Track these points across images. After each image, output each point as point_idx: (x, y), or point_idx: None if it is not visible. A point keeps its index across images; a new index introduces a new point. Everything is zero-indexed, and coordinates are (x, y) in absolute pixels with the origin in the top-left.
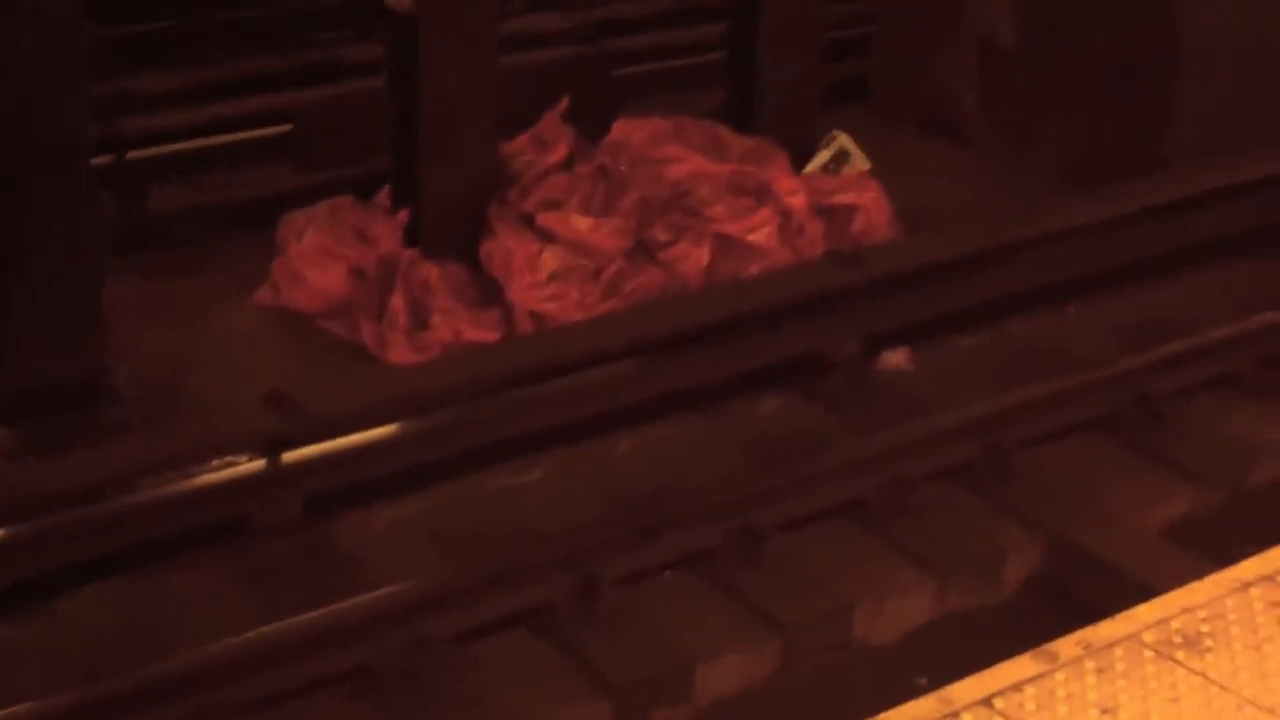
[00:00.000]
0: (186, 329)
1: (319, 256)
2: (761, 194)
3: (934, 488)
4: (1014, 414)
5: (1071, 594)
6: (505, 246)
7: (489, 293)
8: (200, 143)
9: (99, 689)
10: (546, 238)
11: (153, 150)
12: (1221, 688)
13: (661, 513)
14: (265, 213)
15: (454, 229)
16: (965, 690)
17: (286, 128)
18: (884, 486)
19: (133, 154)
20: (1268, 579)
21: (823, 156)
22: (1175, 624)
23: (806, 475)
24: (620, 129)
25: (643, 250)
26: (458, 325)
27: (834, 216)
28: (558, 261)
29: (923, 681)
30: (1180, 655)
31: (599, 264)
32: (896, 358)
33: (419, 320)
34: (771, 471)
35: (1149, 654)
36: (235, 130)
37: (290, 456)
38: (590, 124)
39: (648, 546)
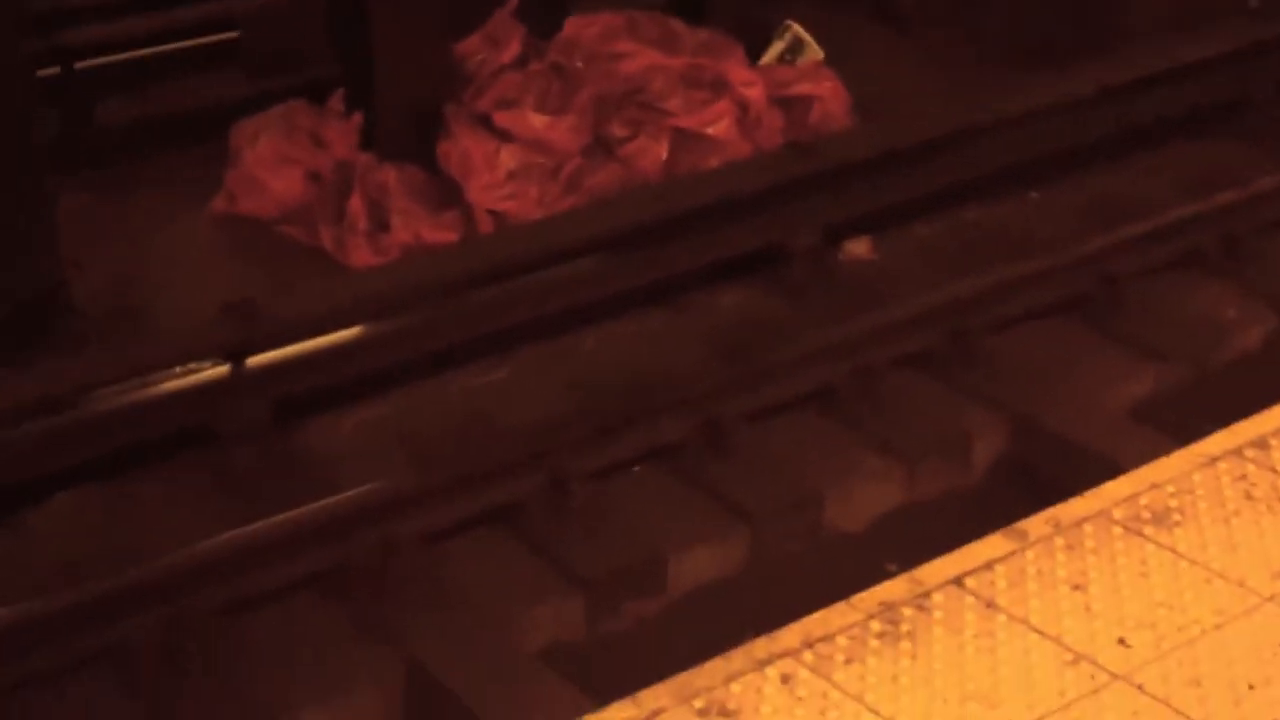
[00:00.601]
0: (142, 243)
1: (274, 162)
2: (718, 86)
3: (899, 375)
4: (977, 299)
5: (1040, 475)
6: (462, 147)
7: (447, 194)
8: (146, 52)
9: (73, 595)
10: (503, 137)
11: (98, 61)
12: (1190, 561)
13: (628, 407)
14: (216, 122)
15: (410, 131)
16: (936, 570)
17: (234, 34)
18: (849, 375)
19: (79, 65)
20: (1234, 453)
21: (777, 47)
22: (1144, 500)
23: (771, 366)
24: (572, 25)
25: (601, 147)
26: (417, 227)
27: (792, 107)
28: (515, 160)
29: (893, 568)
30: (1149, 530)
31: (557, 162)
32: (858, 247)
33: (378, 223)
34: (736, 363)
35: (1118, 530)
36: (182, 38)
37: (254, 362)
38: (541, 21)
39: (615, 442)
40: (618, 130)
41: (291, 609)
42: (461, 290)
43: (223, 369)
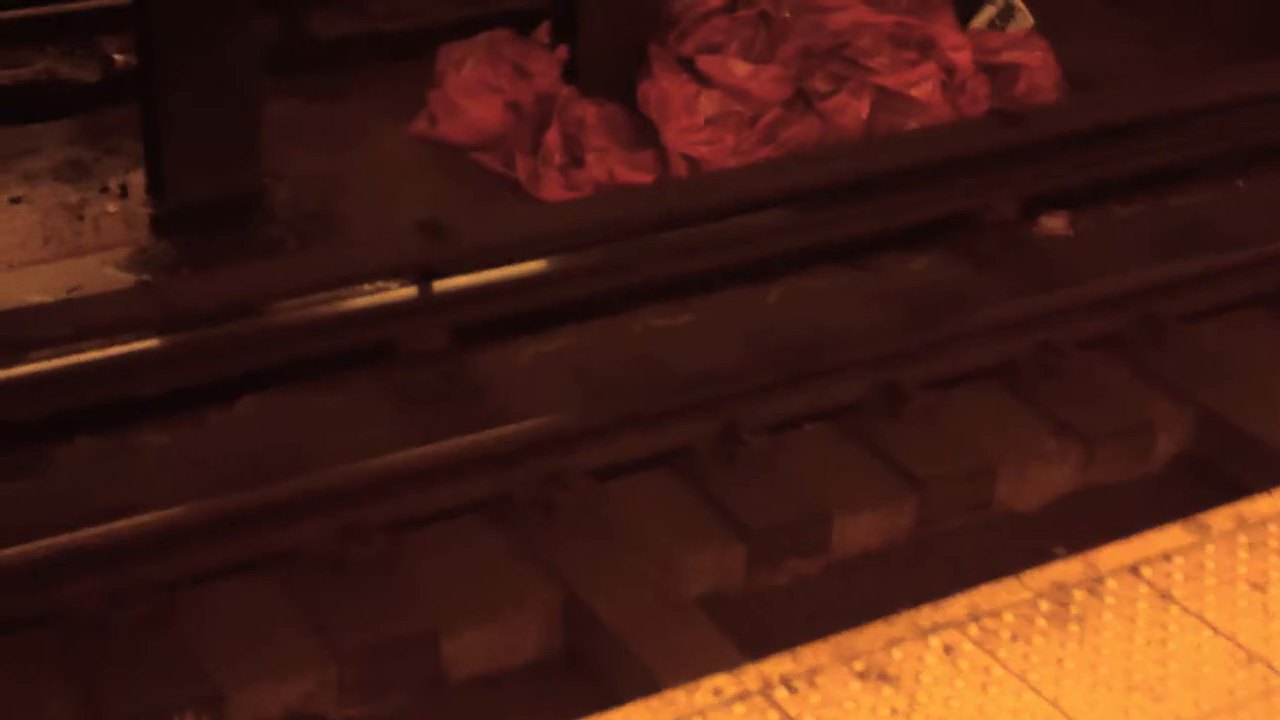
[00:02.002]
0: (343, 154)
1: (476, 88)
2: (925, 48)
3: (1085, 356)
4: (1172, 285)
5: (1224, 471)
6: (662, 88)
7: (644, 134)
8: None
9: (248, 497)
10: (704, 81)
11: None
12: None
13: (806, 364)
14: (425, 42)
15: (612, 68)
16: (1111, 556)
17: None
18: (1033, 351)
19: None
20: None
21: (989, 11)
22: None
23: (954, 335)
24: None
25: (801, 99)
26: (611, 165)
27: (999, 75)
28: (715, 106)
29: (1060, 551)
30: None
31: (756, 111)
32: (1054, 222)
33: (573, 158)
34: (920, 329)
35: None
36: None
37: (440, 286)
38: None
39: (790, 396)
40: (820, 84)
41: (458, 531)
42: (650, 232)
43: (409, 289)
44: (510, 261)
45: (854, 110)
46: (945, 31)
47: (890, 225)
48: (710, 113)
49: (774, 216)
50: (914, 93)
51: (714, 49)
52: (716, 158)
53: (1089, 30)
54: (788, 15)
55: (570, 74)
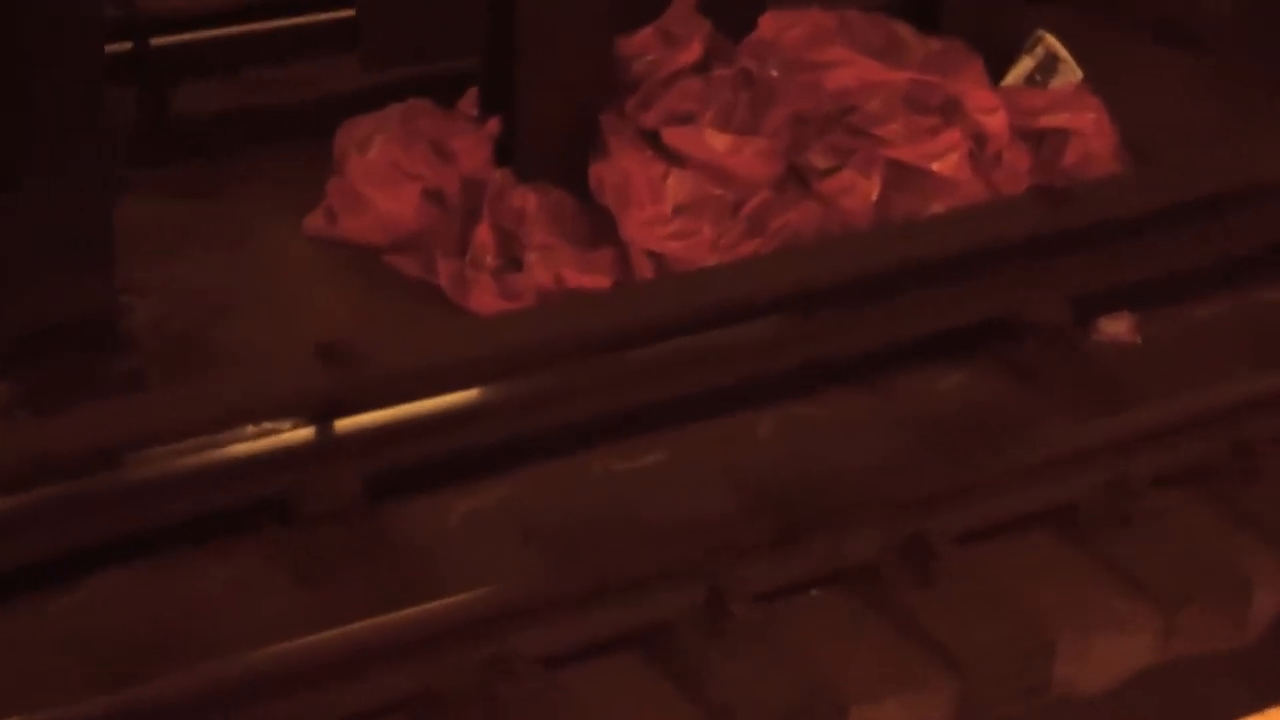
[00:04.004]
0: (220, 262)
1: (387, 175)
2: (949, 111)
3: (1161, 495)
4: (1265, 403)
5: None
6: (621, 169)
7: (599, 227)
8: (242, 28)
9: (106, 702)
10: (673, 159)
11: (183, 36)
12: None
13: (810, 513)
14: (321, 118)
15: (557, 145)
16: None
17: (349, 12)
18: (1096, 490)
19: (158, 40)
20: None
21: (1026, 64)
22: None
23: (996, 472)
24: (769, 24)
25: (795, 178)
26: (558, 267)
27: (1042, 142)
28: (687, 190)
29: None
30: None
31: (739, 194)
32: (1117, 326)
33: (510, 259)
34: (952, 465)
35: None
36: (285, 14)
37: (347, 424)
38: (732, 17)
39: (791, 555)
40: (819, 159)
41: None
42: (609, 350)
43: (307, 430)
44: (434, 392)
45: (861, 191)
46: (973, 90)
47: (911, 334)
48: (681, 198)
49: (765, 327)
50: (936, 167)
51: (684, 119)
52: (691, 255)
53: (1148, 82)
54: (775, 74)
55: (504, 154)
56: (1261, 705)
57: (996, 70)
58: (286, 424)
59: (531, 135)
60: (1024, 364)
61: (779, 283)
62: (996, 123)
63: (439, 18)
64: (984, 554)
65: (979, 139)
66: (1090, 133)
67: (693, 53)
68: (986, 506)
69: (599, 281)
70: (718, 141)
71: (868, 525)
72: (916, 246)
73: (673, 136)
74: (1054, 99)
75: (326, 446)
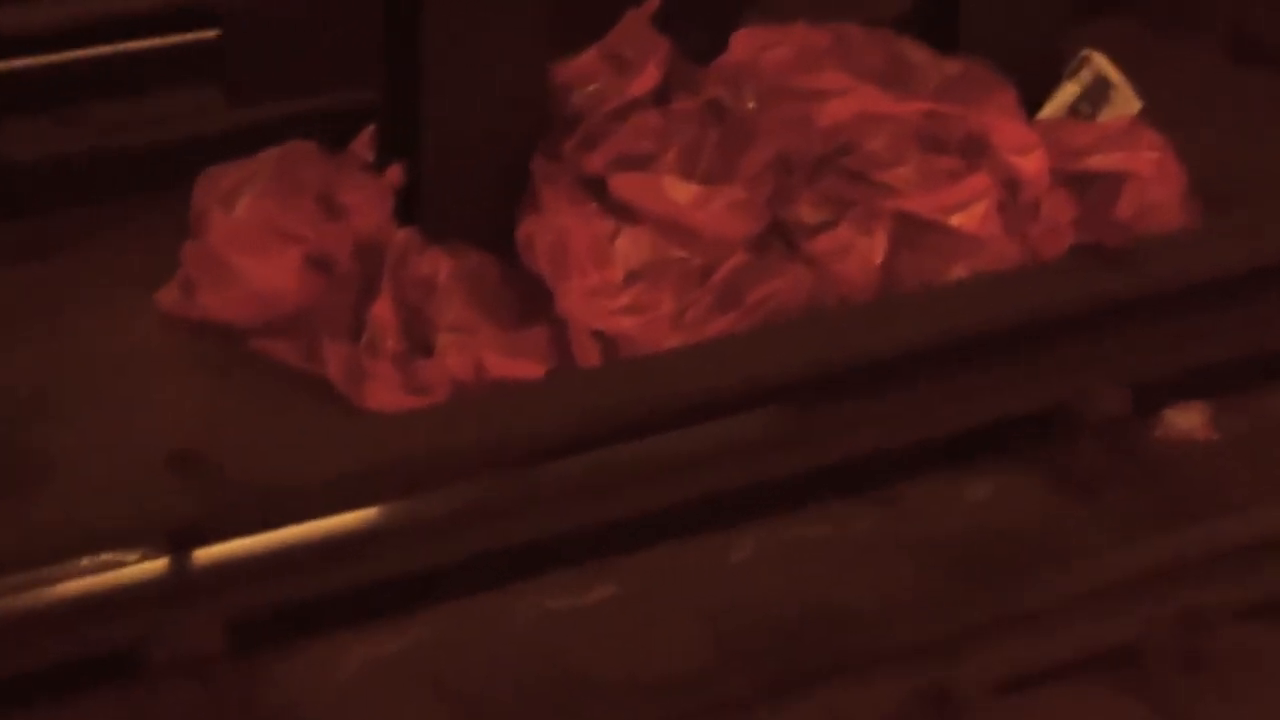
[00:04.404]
0: (46, 347)
1: (259, 237)
2: (972, 150)
3: (1242, 630)
4: None
5: None
6: (557, 226)
7: (529, 300)
8: (78, 54)
9: None
10: (624, 214)
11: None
12: None
13: (801, 658)
14: (177, 166)
15: (475, 197)
16: None
17: (212, 34)
18: (1163, 626)
19: None
20: None
21: (1069, 91)
22: None
23: (1038, 604)
24: (745, 42)
25: (779, 237)
26: (478, 351)
27: (1089, 189)
28: (641, 252)
29: None
30: None
31: (708, 258)
32: (1187, 419)
33: (417, 342)
34: (981, 595)
35: None
36: (132, 36)
37: (208, 555)
38: (697, 34)
39: (778, 712)
40: (808, 213)
41: None
42: (544, 458)
43: (157, 562)
44: (320, 513)
45: (862, 252)
46: (1003, 124)
47: (930, 433)
48: (635, 263)
49: (743, 425)
50: (956, 221)
51: (638, 162)
52: (647, 335)
53: (1224, 113)
54: (752, 106)
55: (409, 209)
56: None
57: (1032, 99)
58: (131, 555)
59: (443, 185)
60: (1072, 469)
61: (760, 369)
62: (1032, 165)
63: (324, 40)
64: (1025, 707)
65: (1010, 185)
66: (1150, 177)
67: (648, 79)
68: (1027, 649)
69: (530, 370)
70: (680, 191)
71: (880, 677)
72: (933, 323)
73: (623, 185)
74: (1104, 135)
75: (183, 583)
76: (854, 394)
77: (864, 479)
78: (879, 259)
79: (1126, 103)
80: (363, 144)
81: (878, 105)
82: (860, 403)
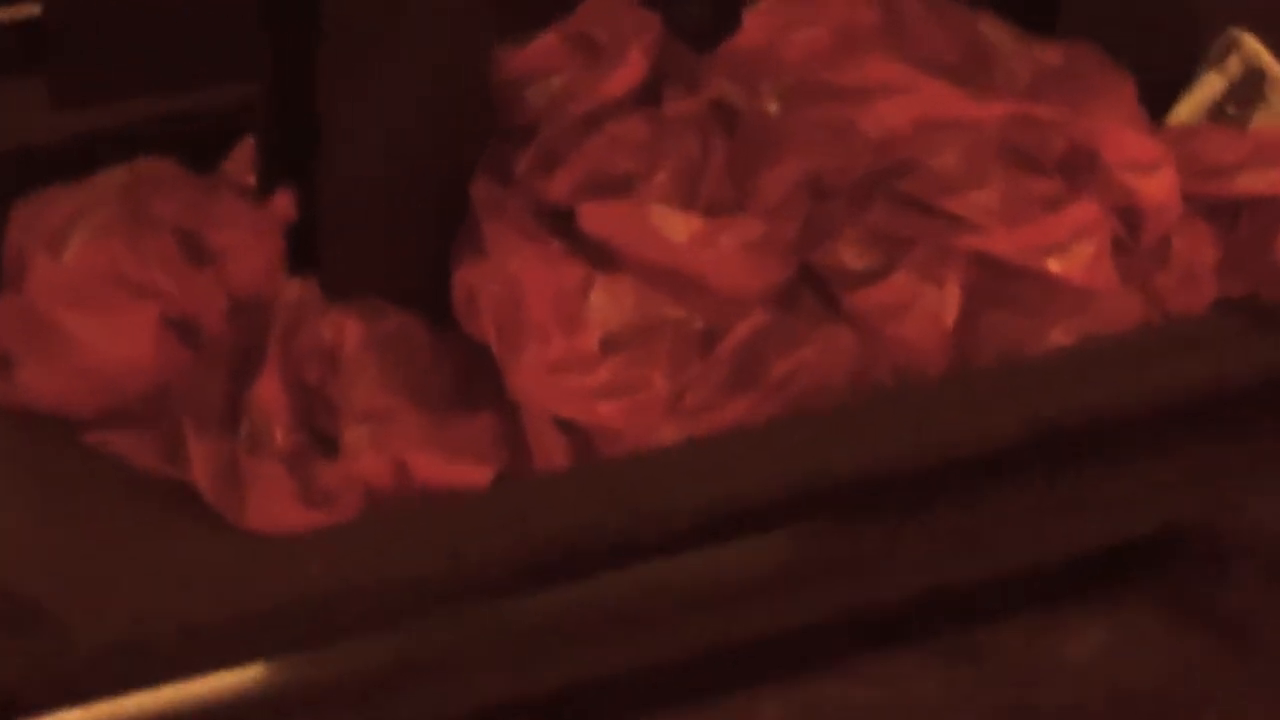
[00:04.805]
0: None
1: (99, 291)
2: (1077, 168)
3: None
4: None
5: None
6: (508, 276)
7: (470, 377)
8: None
9: None
10: (599, 258)
11: None
12: None
13: None
14: None
15: (394, 235)
16: None
17: (32, 10)
18: None
19: None
20: None
21: (1213, 85)
22: None
23: None
24: (762, 20)
25: (812, 288)
26: (400, 448)
27: (1238, 221)
28: (624, 310)
29: None
30: None
31: (715, 318)
32: None
33: (316, 435)
34: None
35: None
36: None
37: None
38: (697, 7)
39: None
40: (852, 254)
41: None
42: (490, 596)
43: None
44: (179, 674)
45: (927, 308)
46: (1118, 132)
47: (1019, 560)
48: (615, 325)
49: (762, 549)
50: (1054, 267)
51: (618, 184)
52: (632, 424)
53: None
54: (774, 109)
55: (304, 251)
56: None
57: (1159, 97)
58: None
59: (350, 218)
60: (1217, 607)
61: (786, 473)
62: (1159, 188)
63: (183, 21)
64: None
65: (1129, 217)
66: None
67: (630, 72)
68: None
69: (471, 474)
70: (676, 226)
71: None
72: (1024, 407)
73: (598, 218)
74: (1258, 147)
75: None
76: (916, 507)
77: (929, 624)
78: (950, 318)
79: None
80: (239, 162)
81: (946, 107)
82: (924, 519)
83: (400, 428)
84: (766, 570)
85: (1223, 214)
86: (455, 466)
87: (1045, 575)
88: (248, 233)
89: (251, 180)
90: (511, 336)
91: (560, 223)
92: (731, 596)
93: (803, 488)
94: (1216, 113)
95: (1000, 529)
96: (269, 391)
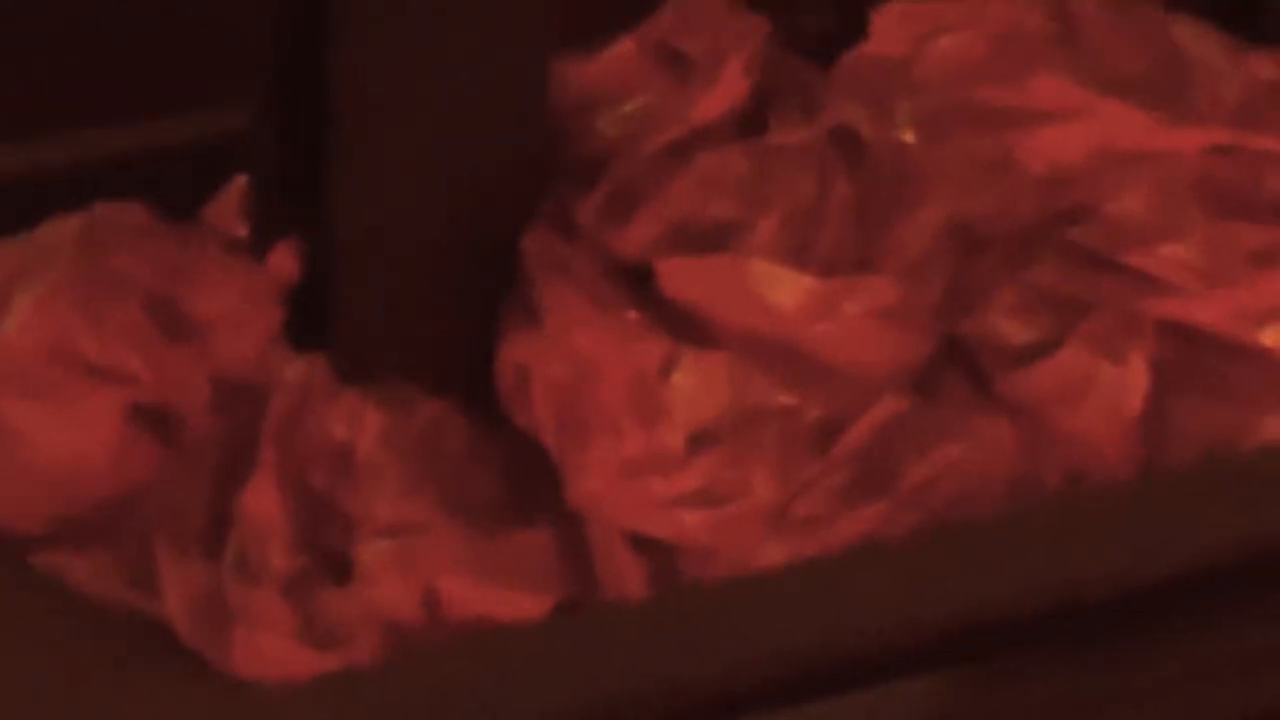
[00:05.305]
0: None
1: (49, 373)
2: None
3: None
4: None
5: None
6: (570, 352)
7: (521, 482)
8: None
9: None
10: (686, 329)
11: None
12: None
13: None
14: None
15: (424, 301)
16: None
17: None
18: None
19: None
20: None
21: None
22: None
23: None
24: (895, 24)
25: (962, 366)
26: (431, 570)
27: None
28: (718, 397)
29: None
30: None
31: (835, 406)
32: None
33: (323, 555)
34: None
35: None
36: None
37: None
38: (813, 9)
39: None
40: (1011, 324)
41: None
42: None
43: None
44: None
45: (1109, 390)
46: None
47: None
48: (706, 416)
49: (900, 701)
50: (1269, 339)
51: (710, 236)
52: (729, 541)
53: None
54: (911, 137)
55: (309, 322)
56: None
57: None
58: None
59: (368, 280)
60: None
61: (931, 605)
62: None
63: (156, 32)
64: None
65: None
66: None
67: (727, 92)
68: None
69: (522, 605)
70: (785, 287)
71: None
72: (1237, 522)
73: (684, 278)
74: None
75: None
76: (1102, 648)
77: None
78: (1136, 405)
79: None
80: (224, 207)
81: (1132, 136)
82: (1115, 665)
83: (431, 545)
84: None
85: None
86: (501, 594)
87: None
88: (237, 298)
89: (242, 231)
90: (574, 430)
91: (637, 285)
92: None
93: (952, 623)
94: None
95: (1206, 677)
96: (263, 500)
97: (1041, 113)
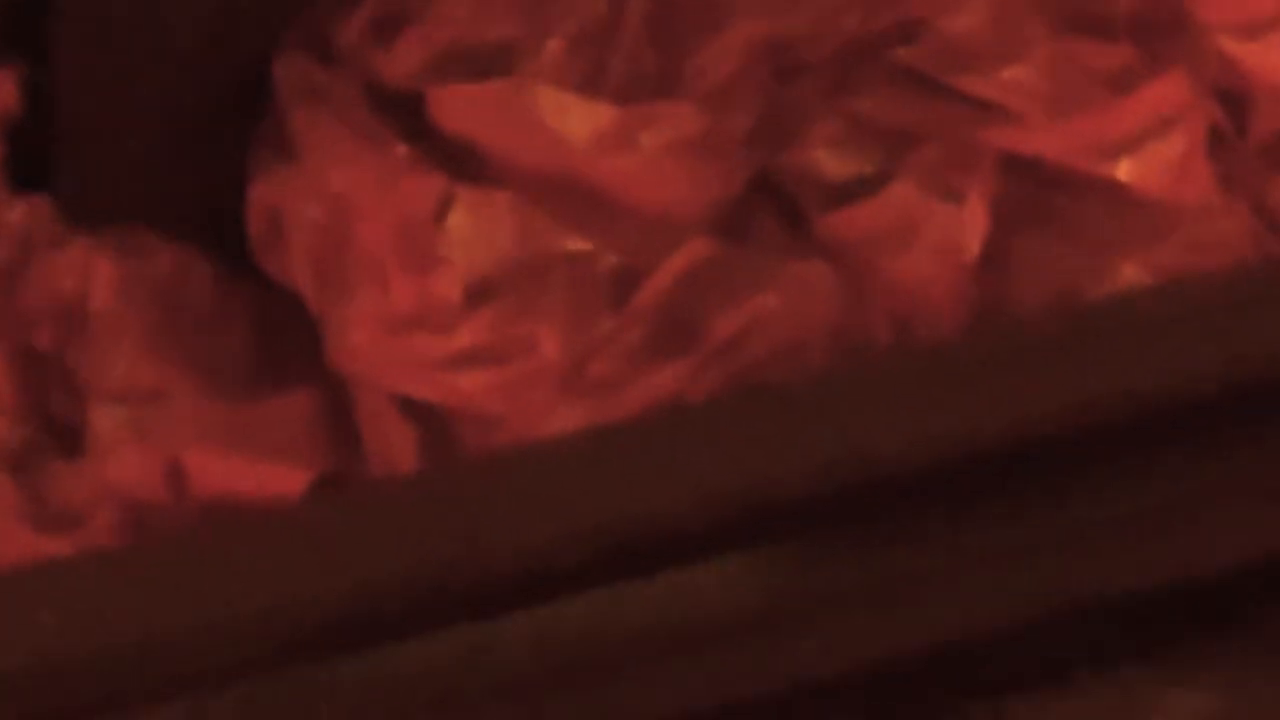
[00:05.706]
0: None
1: None
2: (1155, 30)
3: None
4: None
5: None
6: (329, 190)
7: (276, 339)
8: None
9: None
10: (462, 164)
11: None
12: None
13: None
14: None
15: (162, 132)
16: None
17: None
18: None
19: None
20: None
21: None
22: None
23: None
24: None
25: (773, 205)
26: (173, 441)
27: None
28: (497, 241)
29: None
30: None
31: (629, 250)
32: None
33: (51, 425)
34: None
35: None
36: None
37: None
38: None
39: None
40: (828, 158)
41: None
42: (298, 664)
43: None
44: None
45: (942, 232)
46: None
47: (1080, 599)
48: (486, 263)
49: (711, 581)
50: (1124, 173)
51: (488, 58)
52: (512, 406)
53: None
54: None
55: (30, 157)
56: None
57: None
58: None
59: (98, 110)
60: None
61: (739, 475)
62: (1275, 59)
63: None
64: None
65: (1232, 100)
66: None
67: None
68: None
69: (277, 480)
70: (575, 117)
71: None
72: (1085, 378)
73: (459, 107)
74: None
75: None
76: (930, 517)
77: (955, 685)
78: (972, 248)
79: None
80: None
81: None
82: (942, 533)
83: (173, 412)
84: (717, 611)
85: None
86: (254, 467)
87: (1125, 617)
88: None
89: None
90: (335, 281)
91: (406, 115)
92: (667, 646)
93: (768, 495)
94: None
95: (1048, 547)
96: None
97: None
